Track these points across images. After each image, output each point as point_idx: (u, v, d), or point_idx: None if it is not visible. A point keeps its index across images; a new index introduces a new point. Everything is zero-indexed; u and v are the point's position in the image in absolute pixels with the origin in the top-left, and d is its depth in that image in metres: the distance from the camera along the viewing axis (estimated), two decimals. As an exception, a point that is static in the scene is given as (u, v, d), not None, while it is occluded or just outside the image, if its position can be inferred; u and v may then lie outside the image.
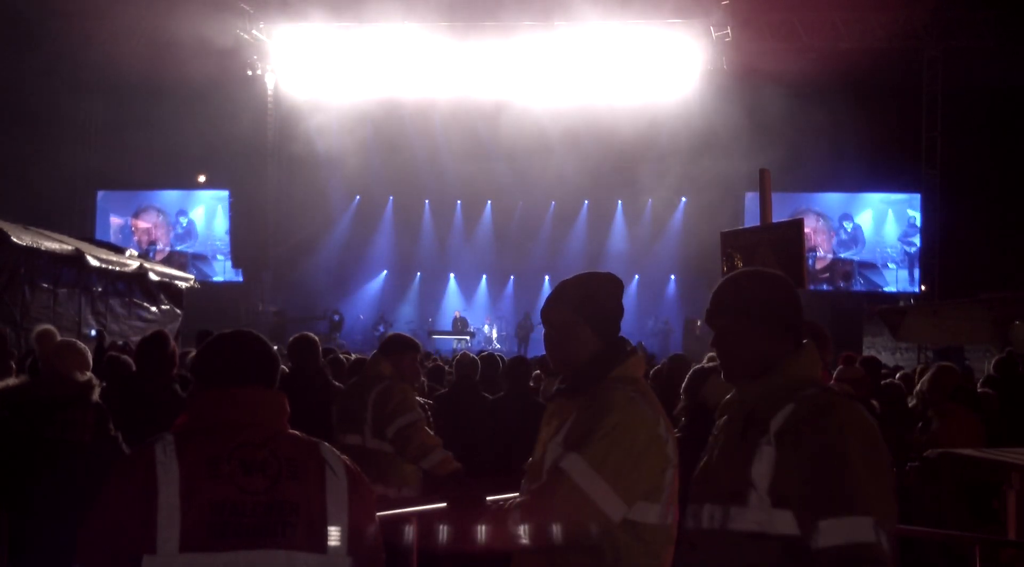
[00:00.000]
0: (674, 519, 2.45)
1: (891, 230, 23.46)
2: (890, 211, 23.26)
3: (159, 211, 25.73)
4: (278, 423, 2.25)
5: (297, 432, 2.28)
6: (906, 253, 23.17)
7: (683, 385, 4.86)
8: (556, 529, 2.32)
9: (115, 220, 25.31)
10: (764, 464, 2.05)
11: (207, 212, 25.49)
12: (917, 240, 22.91)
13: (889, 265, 23.23)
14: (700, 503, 2.19)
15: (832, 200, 24.12)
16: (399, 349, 5.17)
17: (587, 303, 2.60)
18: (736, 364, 2.27)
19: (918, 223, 22.87)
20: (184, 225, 25.64)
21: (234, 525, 2.05)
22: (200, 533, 2.02)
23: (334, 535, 2.14)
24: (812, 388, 2.16)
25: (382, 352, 5.21)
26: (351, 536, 2.16)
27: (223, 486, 2.07)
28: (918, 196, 23.09)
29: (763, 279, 2.34)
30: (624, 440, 2.37)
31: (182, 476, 2.05)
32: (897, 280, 23.06)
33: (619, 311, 2.63)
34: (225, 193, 25.08)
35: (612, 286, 2.65)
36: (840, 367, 6.66)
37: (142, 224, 25.65)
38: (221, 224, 25.28)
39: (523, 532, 2.37)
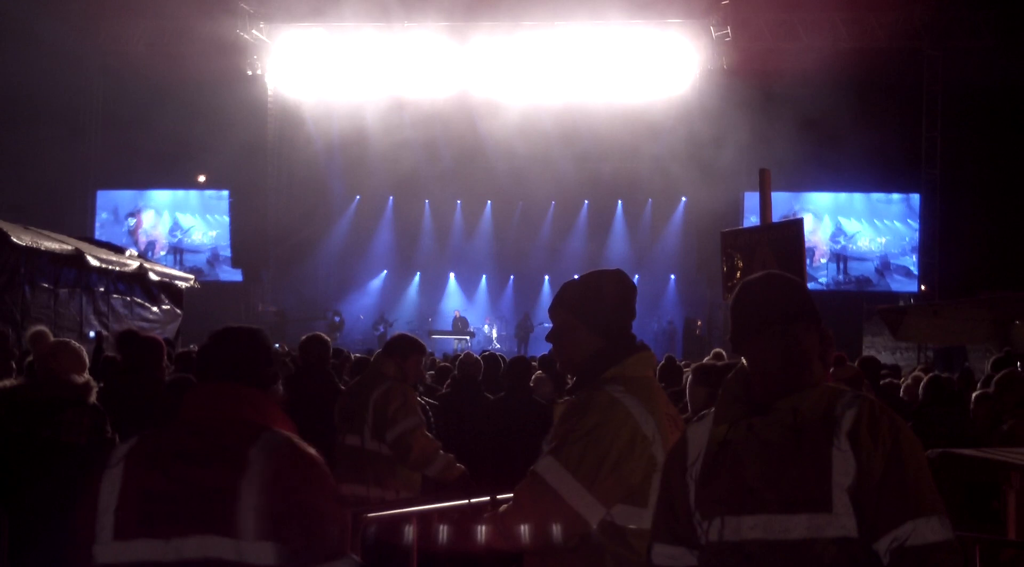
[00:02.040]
0: None
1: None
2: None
3: (158, 211, 25.74)
4: (234, 414, 2.29)
5: (249, 421, 2.30)
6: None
7: (696, 381, 4.82)
8: (532, 532, 2.30)
9: (107, 218, 25.34)
10: (845, 469, 2.06)
11: (206, 212, 25.48)
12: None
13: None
14: (750, 513, 2.11)
15: (831, 200, 24.15)
16: (404, 350, 5.08)
17: (584, 304, 2.57)
18: (802, 370, 2.18)
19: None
20: (184, 225, 25.65)
21: (163, 513, 2.14)
22: (132, 521, 2.14)
23: (248, 520, 2.15)
24: (850, 393, 2.17)
25: (386, 352, 5.13)
26: (272, 521, 2.16)
27: (155, 476, 2.18)
28: (918, 196, 23.13)
29: (797, 281, 2.31)
30: (602, 441, 2.33)
31: (125, 468, 2.21)
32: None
33: (622, 310, 2.59)
34: (225, 193, 25.08)
35: (614, 285, 2.60)
36: (833, 368, 6.72)
37: (141, 223, 25.66)
38: (221, 224, 25.27)
39: (503, 536, 2.36)
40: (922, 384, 6.76)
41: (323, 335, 6.17)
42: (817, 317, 2.23)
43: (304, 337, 6.27)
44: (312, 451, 2.28)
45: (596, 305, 2.57)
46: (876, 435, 2.06)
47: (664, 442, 2.40)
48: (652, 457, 2.37)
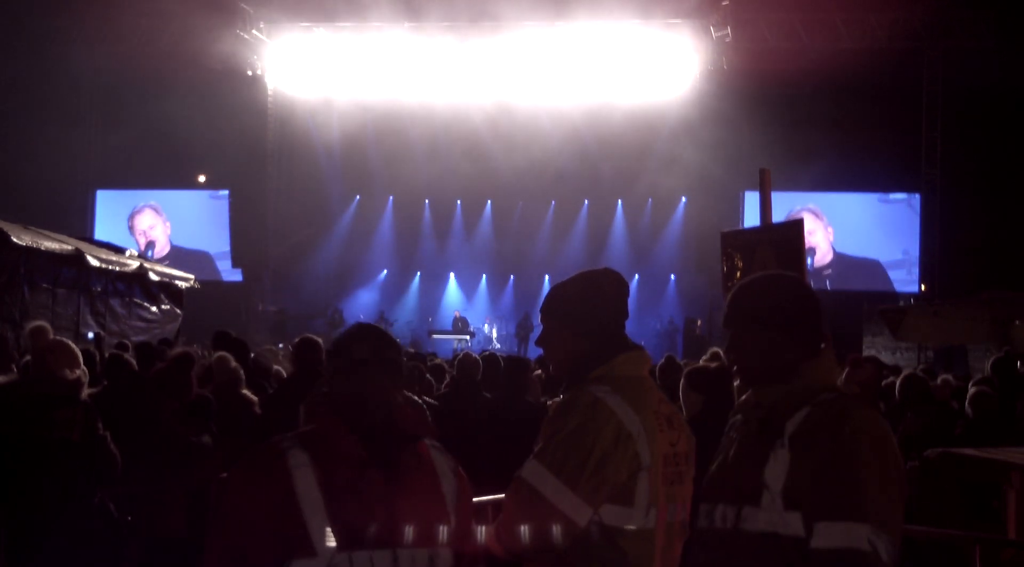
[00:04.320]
0: (659, 522, 2.39)
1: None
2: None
3: (158, 211, 25.73)
4: None
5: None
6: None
7: (688, 385, 4.80)
8: (523, 537, 2.29)
9: (107, 218, 25.38)
10: (778, 466, 2.08)
11: (206, 212, 25.47)
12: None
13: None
14: (714, 503, 2.20)
15: (831, 200, 24.15)
16: None
17: (567, 306, 2.57)
18: (753, 369, 2.26)
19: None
20: (183, 225, 25.64)
21: None
22: None
23: None
24: (828, 393, 2.17)
25: None
26: None
27: None
28: (917, 196, 23.12)
29: (781, 284, 2.33)
30: (584, 441, 2.33)
31: None
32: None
33: (607, 309, 2.57)
34: (225, 193, 25.07)
35: (598, 286, 2.59)
36: (847, 369, 6.78)
37: (141, 224, 25.65)
38: (221, 224, 25.25)
39: (496, 542, 2.35)
40: (898, 382, 6.76)
41: (314, 337, 6.16)
42: (774, 318, 2.24)
43: (297, 340, 6.27)
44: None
45: (579, 307, 2.56)
46: (816, 437, 2.07)
47: (651, 441, 2.39)
48: (637, 455, 2.36)
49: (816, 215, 23.61)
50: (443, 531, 2.23)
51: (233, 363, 6.21)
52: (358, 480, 2.15)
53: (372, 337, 2.29)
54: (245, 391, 6.05)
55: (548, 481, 2.30)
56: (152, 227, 25.65)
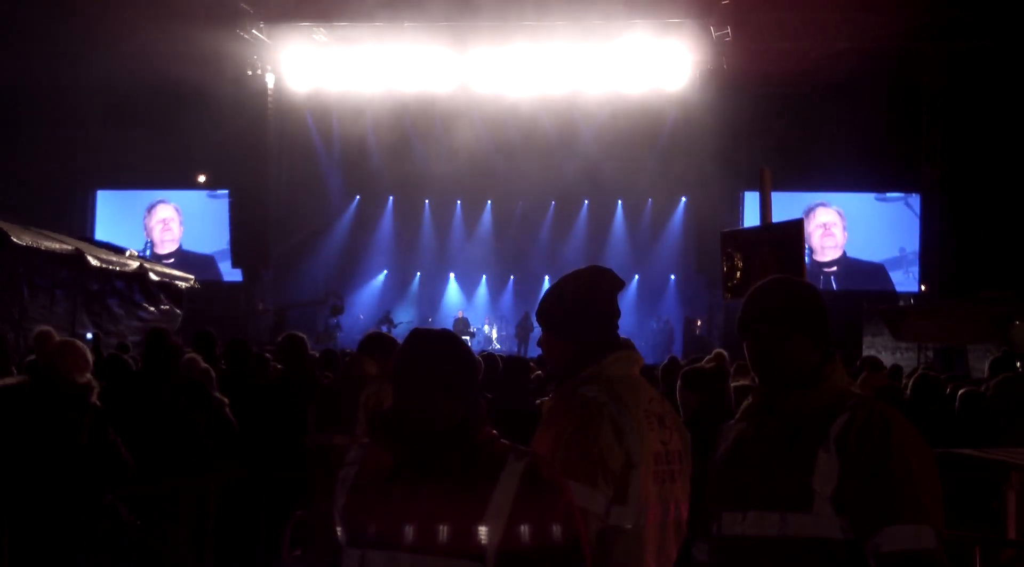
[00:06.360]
0: (651, 521, 2.40)
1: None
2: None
3: (158, 211, 25.72)
4: None
5: None
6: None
7: (684, 385, 4.80)
8: None
9: (107, 218, 25.40)
10: (827, 472, 2.09)
11: (207, 212, 25.45)
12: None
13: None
14: (743, 509, 2.18)
15: (832, 200, 24.14)
16: (385, 350, 5.16)
17: (552, 309, 2.59)
18: (779, 372, 2.24)
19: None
20: (184, 225, 25.63)
21: None
22: None
23: None
24: (855, 397, 2.19)
25: (366, 352, 5.22)
26: None
27: None
28: (916, 195, 23.11)
29: (800, 287, 2.35)
30: (588, 439, 2.35)
31: None
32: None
33: (593, 310, 2.57)
34: (225, 193, 25.07)
35: (582, 287, 2.59)
36: (865, 373, 6.91)
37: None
38: (221, 224, 25.23)
39: None
40: (911, 382, 6.77)
41: (299, 335, 6.21)
42: (801, 320, 2.25)
43: (280, 338, 6.29)
44: None
45: (571, 307, 2.57)
46: (862, 442, 2.08)
47: (641, 439, 2.40)
48: (628, 451, 2.38)
49: (816, 215, 23.63)
50: (468, 537, 2.06)
51: (203, 364, 6.22)
52: (379, 483, 2.16)
53: (414, 347, 2.22)
54: (216, 393, 5.99)
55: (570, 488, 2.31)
56: (152, 227, 25.61)
